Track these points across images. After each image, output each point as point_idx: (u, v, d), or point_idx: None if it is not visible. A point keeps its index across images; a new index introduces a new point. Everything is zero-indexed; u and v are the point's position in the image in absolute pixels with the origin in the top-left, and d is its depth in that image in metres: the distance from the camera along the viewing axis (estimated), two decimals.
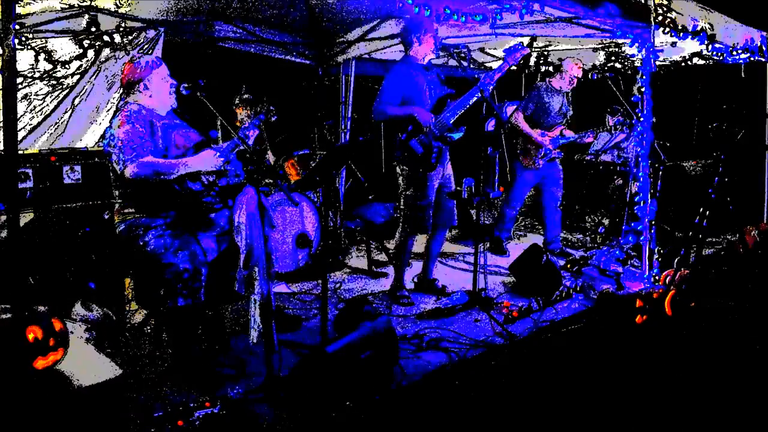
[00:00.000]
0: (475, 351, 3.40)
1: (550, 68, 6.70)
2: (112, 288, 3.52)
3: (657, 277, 4.43)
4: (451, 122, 3.92)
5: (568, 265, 4.96)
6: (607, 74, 5.99)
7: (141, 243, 2.95)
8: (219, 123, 2.85)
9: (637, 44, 4.26)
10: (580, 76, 5.21)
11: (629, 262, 4.84)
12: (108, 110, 4.33)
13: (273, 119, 3.47)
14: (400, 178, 4.07)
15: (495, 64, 6.60)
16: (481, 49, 6.24)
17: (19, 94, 3.90)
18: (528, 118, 5.24)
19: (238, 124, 5.03)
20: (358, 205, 5.78)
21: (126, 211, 3.03)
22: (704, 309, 3.95)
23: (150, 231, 2.96)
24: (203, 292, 2.94)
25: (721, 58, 5.18)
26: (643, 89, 4.32)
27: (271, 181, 4.50)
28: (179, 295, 2.85)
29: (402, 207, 4.13)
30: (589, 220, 6.54)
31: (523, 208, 6.79)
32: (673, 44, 4.89)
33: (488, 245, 5.55)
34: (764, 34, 5.23)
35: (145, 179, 2.88)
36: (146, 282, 3.16)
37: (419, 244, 4.42)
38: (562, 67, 5.21)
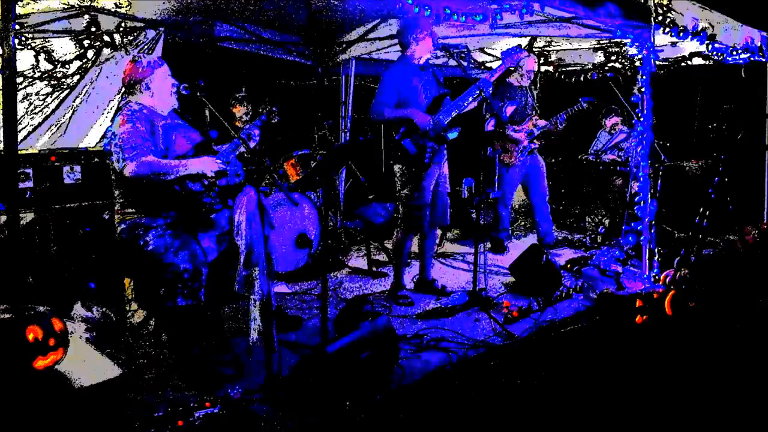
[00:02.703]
0: (475, 351, 3.39)
1: (550, 68, 6.71)
2: (112, 288, 3.52)
3: (657, 277, 4.43)
4: (447, 122, 3.93)
5: (568, 265, 4.96)
6: (608, 74, 6.00)
7: (141, 243, 2.95)
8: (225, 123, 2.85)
9: (636, 44, 4.26)
10: (535, 69, 5.40)
11: (629, 262, 4.84)
12: (109, 110, 4.32)
13: (275, 120, 3.48)
14: (397, 178, 4.08)
15: (495, 64, 6.60)
16: (481, 49, 6.24)
17: (20, 94, 3.90)
18: None
19: (236, 123, 5.03)
20: (358, 205, 5.78)
21: (126, 211, 3.03)
22: (704, 309, 3.95)
23: (150, 231, 2.96)
24: (203, 292, 2.95)
25: (720, 58, 5.18)
26: (643, 89, 4.32)
27: (270, 180, 4.50)
28: (179, 295, 2.85)
29: (398, 207, 4.15)
30: (589, 220, 6.54)
31: (522, 209, 6.79)
32: (673, 44, 4.88)
33: (488, 245, 5.57)
34: (764, 34, 5.23)
35: (145, 179, 2.88)
36: (147, 282, 3.16)
37: (416, 244, 4.42)
38: (518, 63, 5.23)
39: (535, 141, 5.39)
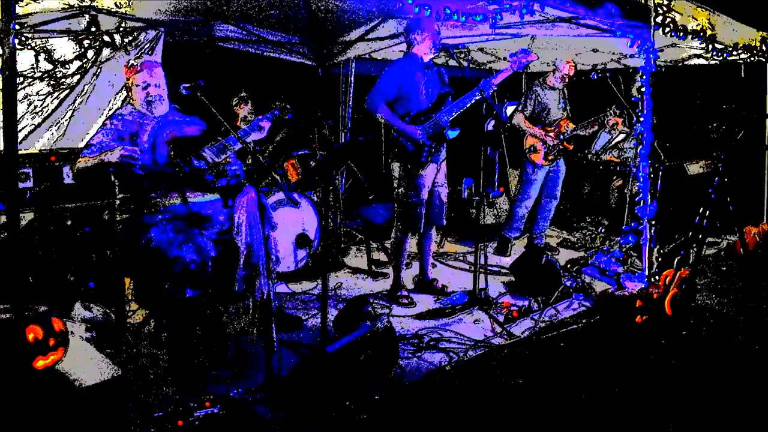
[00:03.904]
0: (475, 351, 3.40)
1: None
2: (112, 288, 3.52)
3: (657, 277, 4.42)
4: (447, 122, 3.94)
5: (568, 265, 4.97)
6: (607, 74, 6.00)
7: (144, 241, 2.95)
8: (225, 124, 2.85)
9: (637, 44, 4.26)
10: (572, 74, 5.33)
11: (629, 262, 4.84)
12: (108, 110, 4.33)
13: (287, 117, 3.44)
14: (394, 176, 4.09)
15: (495, 64, 6.60)
16: (481, 49, 6.24)
17: (20, 94, 3.90)
18: (529, 117, 5.34)
19: (238, 124, 5.03)
20: (358, 205, 5.77)
21: (126, 208, 3.05)
22: (704, 309, 3.95)
23: (152, 228, 2.97)
24: (210, 284, 2.95)
25: (721, 58, 5.18)
26: (643, 89, 4.32)
27: (270, 180, 4.50)
28: (188, 286, 2.84)
29: (395, 205, 4.15)
30: (589, 220, 6.54)
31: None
32: (672, 45, 4.88)
33: (495, 245, 5.56)
34: (764, 35, 5.23)
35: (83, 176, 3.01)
36: (152, 279, 3.15)
37: (414, 243, 4.41)
38: (556, 65, 5.32)
39: (564, 145, 5.36)
